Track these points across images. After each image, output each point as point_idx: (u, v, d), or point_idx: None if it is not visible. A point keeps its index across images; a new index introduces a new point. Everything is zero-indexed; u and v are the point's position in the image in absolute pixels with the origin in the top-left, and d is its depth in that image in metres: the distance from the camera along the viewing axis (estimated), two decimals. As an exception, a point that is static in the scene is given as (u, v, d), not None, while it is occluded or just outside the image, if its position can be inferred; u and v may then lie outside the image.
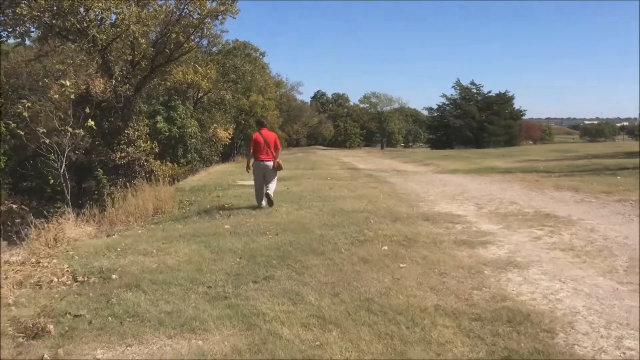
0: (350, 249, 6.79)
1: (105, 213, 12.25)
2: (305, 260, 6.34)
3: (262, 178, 11.16)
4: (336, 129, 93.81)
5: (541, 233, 7.72)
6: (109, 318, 4.86)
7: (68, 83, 13.45)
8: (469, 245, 6.94)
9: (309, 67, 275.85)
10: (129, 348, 4.24)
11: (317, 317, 4.49)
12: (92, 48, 22.49)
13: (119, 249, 7.77)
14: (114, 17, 22.53)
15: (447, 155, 34.48)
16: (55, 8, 20.96)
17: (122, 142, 24.70)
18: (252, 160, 11.24)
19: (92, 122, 13.09)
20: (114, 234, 9.86)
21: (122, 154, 24.41)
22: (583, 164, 22.25)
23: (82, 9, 21.43)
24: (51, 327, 4.71)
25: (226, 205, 11.82)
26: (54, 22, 21.96)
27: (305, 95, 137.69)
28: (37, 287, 6.05)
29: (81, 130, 13.32)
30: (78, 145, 15.13)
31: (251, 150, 11.28)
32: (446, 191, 13.70)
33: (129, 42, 23.89)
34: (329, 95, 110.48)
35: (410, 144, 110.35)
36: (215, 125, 38.07)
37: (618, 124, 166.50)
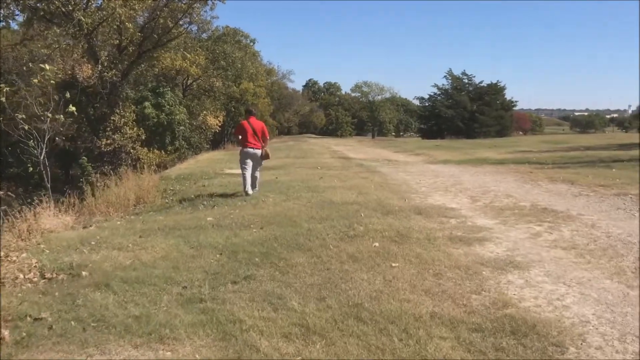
0: (339, 245, 6.35)
1: (85, 203, 11.76)
2: (291, 257, 5.90)
3: (248, 165, 11.09)
4: (328, 118, 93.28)
5: (540, 229, 7.31)
6: (72, 322, 4.40)
7: (47, 67, 12.84)
8: (464, 242, 6.53)
9: (301, 56, 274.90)
10: (89, 359, 3.79)
11: (300, 326, 4.05)
12: (77, 32, 21.85)
13: (93, 243, 7.30)
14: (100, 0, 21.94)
15: (438, 145, 34.13)
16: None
17: (108, 128, 24.13)
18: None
19: (73, 108, 12.57)
20: (91, 225, 9.38)
21: (108, 141, 23.84)
22: (576, 155, 21.95)
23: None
24: (6, 333, 4.25)
25: (211, 196, 11.36)
26: (38, 5, 21.32)
27: (297, 84, 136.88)
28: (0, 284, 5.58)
29: (61, 116, 12.81)
30: (58, 131, 14.56)
31: (239, 137, 11.29)
32: (438, 182, 13.29)
33: (115, 27, 23.27)
34: (321, 84, 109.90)
35: (402, 133, 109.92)
36: (205, 112, 37.49)
37: (608, 116, 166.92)
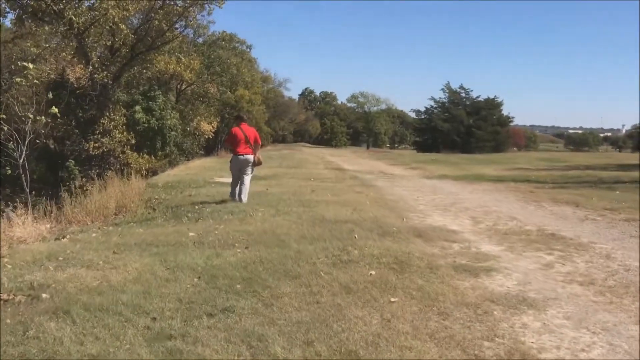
0: (332, 272, 5.70)
1: (63, 210, 11.10)
2: (277, 286, 5.26)
3: (239, 173, 11.01)
4: (323, 127, 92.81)
5: (551, 259, 6.70)
6: (16, 361, 3.76)
7: (31, 66, 12.17)
8: (470, 272, 5.90)
9: (297, 65, 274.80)
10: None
11: (283, 379, 3.41)
12: (68, 31, 21.21)
13: (61, 258, 6.64)
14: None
15: (434, 159, 33.61)
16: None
17: (97, 131, 23.42)
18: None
19: (56, 109, 11.97)
20: (65, 237, 8.72)
21: (96, 145, 23.12)
22: (576, 175, 21.43)
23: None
24: None
25: (196, 207, 10.71)
26: (27, 1, 20.68)
27: (293, 92, 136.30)
28: (-53, 307, 4.92)
29: (43, 117, 12.18)
30: (40, 133, 13.87)
31: (229, 145, 11.32)
32: (437, 200, 12.69)
33: (108, 27, 22.63)
34: (317, 93, 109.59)
35: (396, 145, 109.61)
36: (198, 118, 36.81)
37: (601, 135, 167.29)
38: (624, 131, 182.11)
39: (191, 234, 7.93)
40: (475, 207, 11.49)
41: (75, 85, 23.57)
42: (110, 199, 11.38)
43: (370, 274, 5.66)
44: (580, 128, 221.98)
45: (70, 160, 21.87)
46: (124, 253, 6.85)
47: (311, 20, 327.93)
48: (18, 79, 12.71)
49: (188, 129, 35.98)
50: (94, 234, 8.68)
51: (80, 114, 23.62)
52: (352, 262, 6.12)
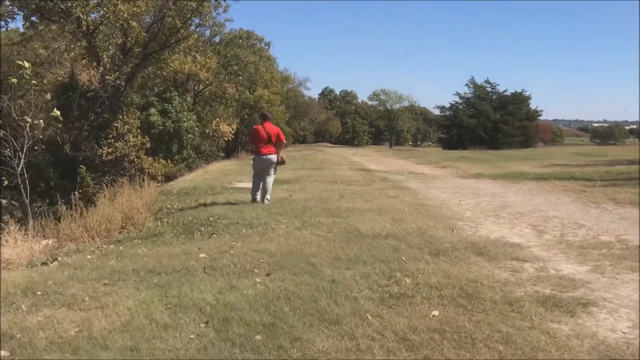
0: (381, 313, 4.31)
1: (60, 226, 9.83)
2: (309, 337, 3.88)
3: (262, 172, 10.72)
4: (344, 126, 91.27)
5: (658, 283, 5.23)
6: None
7: (27, 65, 10.90)
8: (563, 308, 4.46)
9: (317, 64, 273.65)
10: None
11: None
12: (76, 30, 20.11)
13: (39, 292, 5.36)
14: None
15: (463, 157, 31.99)
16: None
17: (110, 136, 22.31)
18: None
19: (57, 112, 10.79)
20: (56, 259, 7.45)
21: (110, 149, 22.01)
22: (623, 170, 19.71)
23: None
24: None
25: (211, 218, 9.38)
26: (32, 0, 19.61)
27: (312, 92, 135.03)
28: None
29: (41, 121, 10.98)
30: (38, 138, 12.64)
31: (252, 143, 11.04)
32: (483, 204, 11.22)
33: (119, 25, 21.50)
34: (337, 92, 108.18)
35: (419, 143, 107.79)
36: (217, 119, 35.65)
37: (627, 127, 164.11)
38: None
39: (202, 255, 6.60)
40: (530, 211, 10.00)
41: (87, 88, 22.50)
42: (115, 211, 10.10)
43: (433, 315, 4.25)
44: (605, 121, 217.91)
45: (81, 166, 20.75)
46: (118, 284, 5.53)
47: (329, 19, 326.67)
48: (14, 80, 11.46)
49: (207, 131, 34.88)
50: (89, 256, 7.40)
51: (93, 118, 22.55)
52: (404, 296, 4.71)
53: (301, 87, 76.94)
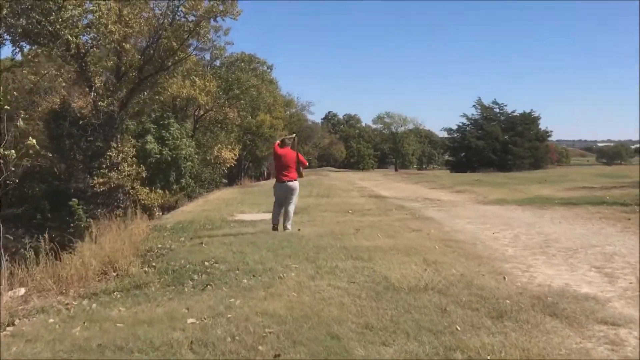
0: None
1: (31, 272, 8.32)
2: None
3: (282, 200, 10.59)
4: (348, 150, 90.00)
5: None
6: None
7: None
8: None
9: (320, 89, 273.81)
10: None
11: None
12: (65, 54, 18.84)
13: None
14: (91, 16, 18.84)
15: (477, 180, 30.44)
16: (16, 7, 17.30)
17: (104, 165, 20.89)
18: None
19: (33, 141, 9.38)
20: (12, 323, 5.95)
21: (103, 180, 20.58)
22: (655, 192, 18.20)
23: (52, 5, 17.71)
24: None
25: (207, 263, 7.90)
26: (18, 22, 18.34)
27: (316, 116, 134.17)
28: None
29: (12, 151, 9.56)
30: (10, 170, 11.24)
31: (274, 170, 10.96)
32: (521, 237, 9.72)
33: (112, 47, 20.23)
34: (340, 116, 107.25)
35: (424, 165, 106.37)
36: (219, 145, 34.31)
37: (632, 147, 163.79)
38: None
39: (190, 320, 5.10)
40: (581, 246, 8.49)
41: (79, 115, 21.18)
42: (94, 256, 8.60)
43: None
44: (609, 140, 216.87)
45: (73, 199, 19.31)
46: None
47: (330, 43, 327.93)
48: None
49: (208, 157, 33.55)
50: (52, 319, 5.88)
51: (85, 147, 21.17)
52: (480, 399, 3.20)
53: (305, 111, 75.80)
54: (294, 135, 11.39)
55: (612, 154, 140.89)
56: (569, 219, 12.43)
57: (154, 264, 8.54)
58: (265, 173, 58.47)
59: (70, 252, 9.43)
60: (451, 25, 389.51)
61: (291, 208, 10.59)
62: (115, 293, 6.94)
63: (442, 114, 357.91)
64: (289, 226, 10.51)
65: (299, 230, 10.71)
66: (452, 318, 4.68)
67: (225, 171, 38.16)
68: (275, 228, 10.56)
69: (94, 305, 6.36)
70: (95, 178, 20.48)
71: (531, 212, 13.97)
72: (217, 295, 6.04)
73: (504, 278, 6.28)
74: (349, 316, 4.88)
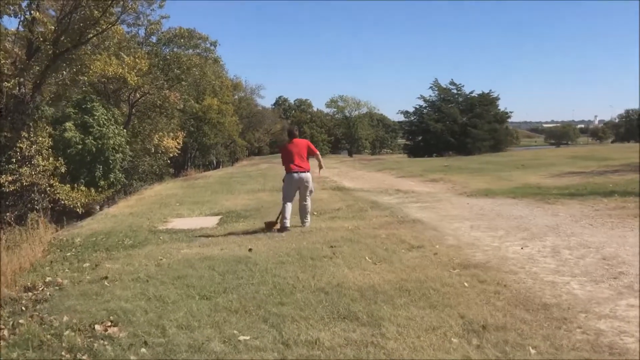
0: None
1: None
2: None
3: (295, 193, 9.67)
4: (301, 136, 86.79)
5: None
6: None
7: None
8: None
9: (269, 73, 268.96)
10: None
11: None
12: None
13: None
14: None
15: (446, 166, 27.79)
16: None
17: (13, 159, 17.29)
18: None
19: None
20: None
21: (12, 178, 16.98)
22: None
23: None
24: None
25: (98, 328, 4.78)
26: None
27: (266, 101, 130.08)
28: None
29: None
30: None
31: (283, 163, 9.91)
32: (563, 253, 6.93)
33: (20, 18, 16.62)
34: (292, 101, 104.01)
35: (378, 150, 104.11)
36: (160, 133, 30.73)
37: (577, 127, 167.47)
38: (596, 122, 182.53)
39: None
40: (620, 261, 5.75)
41: (-21, 100, 17.47)
42: None
43: None
44: (552, 122, 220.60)
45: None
46: None
47: (279, 25, 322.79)
48: None
49: (148, 146, 30.01)
50: None
51: (-12, 138, 17.50)
52: None
53: (254, 95, 72.22)
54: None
55: (560, 135, 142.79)
56: (592, 217, 9.81)
57: (18, 322, 5.32)
58: (215, 162, 54.96)
59: None
60: (404, 4, 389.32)
61: (308, 202, 9.77)
62: None
63: (396, 97, 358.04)
64: (307, 223, 9.69)
65: (250, 250, 7.66)
66: None
67: (169, 161, 34.69)
68: (285, 229, 9.20)
69: None
70: (3, 176, 16.86)
71: (537, 208, 11.31)
72: None
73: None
74: None
